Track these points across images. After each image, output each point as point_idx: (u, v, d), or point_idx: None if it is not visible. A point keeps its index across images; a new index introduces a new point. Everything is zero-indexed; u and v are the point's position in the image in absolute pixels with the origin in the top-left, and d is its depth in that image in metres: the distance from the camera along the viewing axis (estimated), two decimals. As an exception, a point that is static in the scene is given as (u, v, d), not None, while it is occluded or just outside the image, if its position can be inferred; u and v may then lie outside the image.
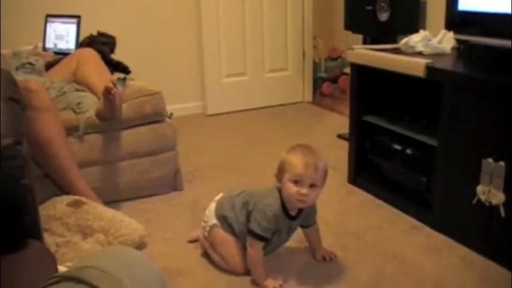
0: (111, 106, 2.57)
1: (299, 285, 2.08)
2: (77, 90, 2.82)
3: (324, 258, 2.26)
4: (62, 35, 3.46)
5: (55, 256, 1.31)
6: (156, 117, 2.82)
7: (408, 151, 2.65)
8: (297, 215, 2.10)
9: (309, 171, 1.95)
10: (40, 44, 3.52)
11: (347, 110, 3.06)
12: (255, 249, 2.07)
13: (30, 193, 1.18)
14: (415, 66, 2.43)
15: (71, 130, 2.61)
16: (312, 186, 1.98)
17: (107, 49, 3.23)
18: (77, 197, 2.42)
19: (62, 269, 1.35)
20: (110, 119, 2.65)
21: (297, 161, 1.98)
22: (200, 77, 4.52)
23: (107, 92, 2.51)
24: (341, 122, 3.92)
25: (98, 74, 2.82)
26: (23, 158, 1.15)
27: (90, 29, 3.43)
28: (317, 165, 1.97)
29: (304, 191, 1.96)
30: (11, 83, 1.26)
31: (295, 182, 1.97)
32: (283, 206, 2.05)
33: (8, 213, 1.11)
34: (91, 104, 2.70)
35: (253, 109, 4.64)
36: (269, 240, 2.08)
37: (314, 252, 2.29)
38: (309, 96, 4.93)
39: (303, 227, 2.24)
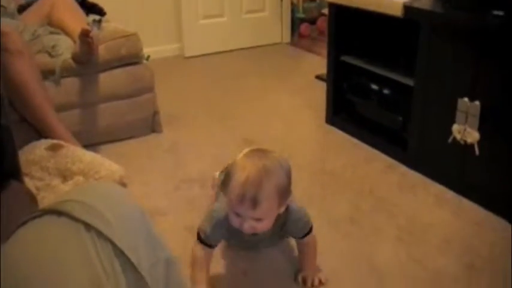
0: (88, 49, 2.54)
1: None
2: (52, 33, 2.77)
3: (303, 282, 1.79)
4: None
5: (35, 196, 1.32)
6: (133, 59, 2.79)
7: (385, 91, 2.66)
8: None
9: (244, 207, 1.52)
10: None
11: (325, 51, 3.05)
12: (195, 251, 1.70)
13: (8, 133, 1.17)
14: (393, 6, 2.41)
15: (46, 74, 2.57)
16: (256, 219, 1.55)
17: None
18: (55, 141, 2.41)
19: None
20: (86, 62, 2.62)
21: (234, 186, 1.52)
22: (177, 19, 4.45)
23: (84, 35, 2.48)
24: (319, 63, 3.91)
25: (73, 17, 2.77)
26: (-1, 99, 1.14)
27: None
28: (256, 201, 1.50)
29: (246, 226, 1.56)
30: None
31: (236, 214, 1.56)
32: None
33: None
34: (66, 47, 2.66)
35: (231, 51, 4.60)
36: (216, 246, 1.74)
37: (299, 270, 1.83)
38: (287, 38, 4.90)
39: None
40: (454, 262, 1.89)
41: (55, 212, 0.77)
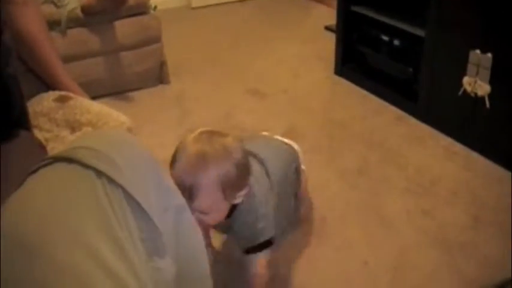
0: (116, 6, 2.58)
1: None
2: (57, -18, 2.73)
3: None
4: None
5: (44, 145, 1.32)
6: (140, 9, 2.76)
7: (395, 42, 2.63)
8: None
9: (184, 197, 1.17)
10: None
11: (334, 2, 3.01)
12: None
13: (16, 82, 1.16)
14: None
15: (52, 24, 2.54)
16: (202, 212, 1.31)
17: None
18: (63, 92, 2.40)
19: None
20: (96, 14, 2.60)
21: (173, 174, 1.29)
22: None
23: None
24: (328, 14, 3.86)
25: (78, -34, 2.73)
26: (6, 47, 1.13)
27: None
28: (192, 193, 1.26)
29: (194, 216, 1.21)
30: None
31: None
32: None
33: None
34: (72, -3, 2.63)
35: (238, 1, 4.54)
36: None
37: None
38: (295, -12, 4.82)
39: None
40: (461, 213, 1.90)
41: (65, 159, 0.77)
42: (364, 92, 2.80)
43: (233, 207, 1.38)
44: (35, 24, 2.41)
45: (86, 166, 0.75)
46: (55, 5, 2.61)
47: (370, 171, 2.15)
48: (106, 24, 2.68)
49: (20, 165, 1.09)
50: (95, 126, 2.24)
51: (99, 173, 0.75)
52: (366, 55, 2.86)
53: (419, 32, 2.43)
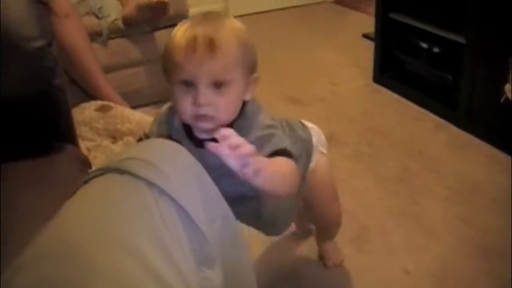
0: (157, 18, 2.63)
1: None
2: (98, -6, 2.78)
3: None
4: None
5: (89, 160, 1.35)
6: (179, 19, 2.75)
7: (435, 49, 2.60)
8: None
9: (197, 56, 1.04)
10: None
11: (371, 9, 3.00)
12: None
13: (63, 94, 1.20)
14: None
15: (94, 35, 2.60)
16: (217, 84, 1.07)
17: None
18: (104, 102, 2.45)
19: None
20: (137, 25, 2.66)
21: (177, 40, 1.07)
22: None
23: (161, 6, 2.54)
24: (366, 21, 3.84)
25: (120, -22, 2.78)
26: (54, 59, 1.16)
27: None
28: (213, 42, 1.04)
29: (202, 99, 1.06)
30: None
31: (186, 84, 1.07)
32: (185, 124, 1.17)
33: (42, 115, 1.14)
34: (112, 8, 2.68)
35: (276, 10, 4.55)
36: None
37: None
38: (332, -5, 4.82)
39: None
40: (502, 222, 1.86)
41: (117, 170, 0.79)
42: (403, 100, 2.78)
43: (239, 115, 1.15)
44: (77, 35, 2.46)
45: (137, 177, 0.77)
46: (96, 16, 2.67)
47: (410, 179, 2.13)
48: (146, 34, 2.73)
49: (63, 179, 1.12)
50: (136, 135, 2.28)
51: (150, 184, 0.76)
52: (404, 62, 2.84)
53: (459, 39, 2.40)
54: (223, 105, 1.08)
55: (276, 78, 3.13)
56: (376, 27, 2.94)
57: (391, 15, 2.83)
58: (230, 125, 1.11)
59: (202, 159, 1.02)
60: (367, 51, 3.15)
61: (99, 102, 2.44)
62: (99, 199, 0.78)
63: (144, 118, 2.36)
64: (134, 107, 2.56)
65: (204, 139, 1.10)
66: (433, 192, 2.05)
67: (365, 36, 3.69)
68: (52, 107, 1.17)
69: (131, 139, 2.27)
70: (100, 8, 2.67)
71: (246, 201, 1.18)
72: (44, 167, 1.13)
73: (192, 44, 1.03)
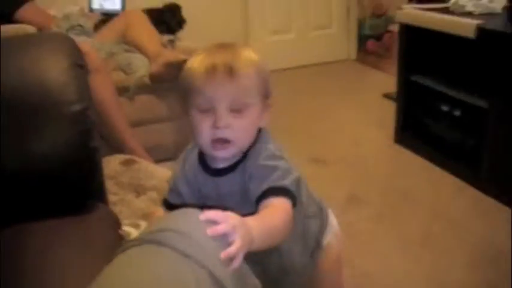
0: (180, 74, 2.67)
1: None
2: (126, 51, 2.86)
3: None
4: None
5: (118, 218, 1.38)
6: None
7: (456, 112, 2.63)
8: (232, 167, 1.15)
9: (216, 80, 1.07)
10: (85, 5, 3.55)
11: (392, 68, 3.05)
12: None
13: (98, 155, 1.23)
14: (466, 27, 2.39)
15: (121, 90, 2.67)
16: (235, 108, 1.09)
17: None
18: (128, 156, 2.48)
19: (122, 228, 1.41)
20: (164, 81, 2.72)
21: (196, 67, 1.10)
22: (245, 35, 4.52)
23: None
24: (386, 81, 3.89)
25: (148, 35, 2.86)
26: (91, 122, 1.20)
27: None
28: (232, 67, 1.07)
29: (220, 122, 1.07)
30: (77, 50, 1.30)
31: (205, 109, 1.09)
32: (200, 153, 1.21)
33: (79, 178, 1.17)
34: (141, 65, 2.75)
35: (297, 67, 4.63)
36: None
37: None
38: (353, 54, 4.89)
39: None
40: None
41: (154, 241, 0.81)
42: (425, 161, 2.79)
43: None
44: (105, 90, 2.53)
45: (175, 250, 0.79)
46: (124, 72, 2.74)
47: (432, 243, 2.13)
48: (172, 91, 2.78)
49: (96, 237, 1.14)
50: (159, 191, 2.30)
51: (187, 256, 0.78)
52: (425, 124, 2.87)
53: (481, 103, 2.43)
54: (242, 129, 1.10)
55: (297, 138, 3.16)
56: (398, 90, 2.98)
57: (413, 77, 2.87)
58: (244, 154, 1.13)
59: (217, 188, 1.15)
60: (388, 111, 3.18)
61: (123, 156, 2.48)
62: (137, 272, 0.79)
63: (167, 174, 2.39)
64: (159, 161, 2.60)
65: (219, 168, 1.15)
66: (456, 257, 2.04)
67: (386, 96, 3.73)
68: (86, 168, 1.20)
69: (155, 195, 2.29)
70: (128, 64, 2.75)
71: None
72: (77, 225, 1.15)
73: (212, 69, 1.07)
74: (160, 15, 3.24)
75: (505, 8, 2.66)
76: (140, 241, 0.83)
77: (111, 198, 2.27)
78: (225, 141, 1.08)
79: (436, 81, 2.76)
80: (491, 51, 2.30)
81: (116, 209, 2.23)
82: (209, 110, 1.08)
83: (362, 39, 4.91)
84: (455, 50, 2.67)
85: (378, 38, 4.91)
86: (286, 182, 1.09)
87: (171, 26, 3.20)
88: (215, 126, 1.07)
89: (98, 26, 3.12)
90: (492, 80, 2.33)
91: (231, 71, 1.07)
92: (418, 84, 2.84)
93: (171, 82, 2.75)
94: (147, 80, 2.71)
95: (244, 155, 1.14)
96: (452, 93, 2.63)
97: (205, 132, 1.09)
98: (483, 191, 2.46)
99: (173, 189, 1.23)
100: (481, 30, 2.34)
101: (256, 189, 1.08)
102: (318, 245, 1.31)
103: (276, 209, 1.04)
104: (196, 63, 1.11)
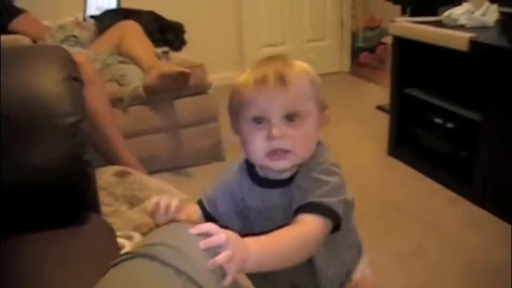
0: (178, 87, 2.72)
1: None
2: (121, 62, 2.87)
3: None
4: (102, 6, 3.50)
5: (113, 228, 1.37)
6: (199, 89, 2.88)
7: (449, 125, 2.64)
8: (283, 182, 1.09)
9: (267, 89, 1.03)
10: (80, 15, 3.56)
11: (385, 81, 3.06)
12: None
13: (91, 167, 1.23)
14: (459, 40, 2.41)
15: (115, 102, 2.67)
16: (290, 117, 1.04)
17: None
18: (122, 167, 2.48)
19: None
20: (158, 93, 2.73)
21: (245, 79, 1.07)
22: (239, 47, 4.54)
23: (183, 76, 2.65)
24: (379, 93, 3.91)
25: (142, 47, 2.87)
26: (85, 135, 1.20)
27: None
28: (285, 77, 1.03)
29: (275, 131, 1.02)
30: (71, 62, 1.31)
31: (257, 120, 1.05)
32: (248, 163, 1.15)
33: (73, 190, 1.17)
34: (135, 76, 2.76)
35: (291, 79, 4.64)
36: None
37: None
38: (347, 66, 4.92)
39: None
40: (521, 303, 1.85)
41: (147, 256, 0.81)
42: (418, 174, 2.80)
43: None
44: (99, 101, 2.53)
45: (167, 264, 0.79)
46: (118, 83, 2.74)
47: (426, 255, 2.13)
48: (166, 102, 2.80)
49: (91, 248, 1.14)
50: (153, 203, 2.30)
51: (179, 272, 0.78)
52: (419, 137, 2.88)
53: (473, 116, 2.44)
54: (298, 138, 1.04)
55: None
56: (391, 102, 3.00)
57: (406, 90, 2.88)
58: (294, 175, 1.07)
59: (263, 199, 1.09)
60: (381, 124, 3.19)
61: (117, 167, 2.48)
62: (128, 286, 0.79)
63: (162, 186, 2.39)
64: (152, 172, 2.60)
65: (270, 179, 1.09)
66: (450, 269, 2.04)
67: (379, 108, 3.74)
68: (80, 180, 1.20)
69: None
70: (122, 76, 2.75)
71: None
72: (72, 237, 1.15)
73: (262, 78, 1.03)
74: (162, 34, 3.25)
75: (497, 22, 2.68)
76: (133, 255, 0.82)
77: (105, 209, 2.26)
78: (282, 152, 1.03)
79: (429, 93, 2.78)
80: (483, 64, 2.31)
81: (109, 220, 2.22)
82: (262, 122, 1.03)
83: (356, 52, 4.94)
84: (448, 62, 2.68)
85: (372, 50, 4.94)
86: (330, 200, 1.01)
87: (173, 47, 3.21)
88: (270, 137, 1.02)
89: (93, 37, 3.13)
90: (485, 93, 2.35)
91: (282, 79, 1.03)
92: (411, 97, 2.86)
93: (164, 93, 2.76)
94: (141, 92, 2.72)
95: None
96: (445, 105, 2.64)
97: (258, 144, 1.04)
98: (476, 203, 2.46)
99: (210, 197, 1.17)
100: (473, 43, 2.35)
101: (298, 202, 1.01)
102: (348, 277, 1.22)
103: (300, 227, 0.98)
104: (245, 77, 1.07)
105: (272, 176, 1.09)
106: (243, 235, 0.89)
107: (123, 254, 0.84)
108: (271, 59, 1.09)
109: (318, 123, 1.09)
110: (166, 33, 3.26)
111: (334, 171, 1.08)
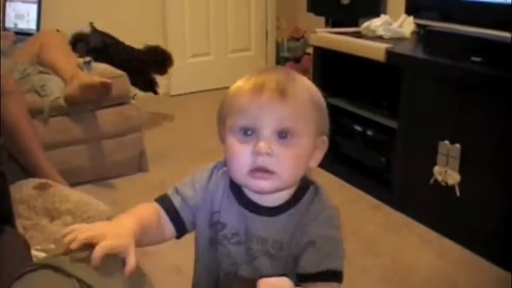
0: (100, 98, 2.68)
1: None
2: (41, 72, 2.80)
3: None
4: (22, 15, 3.42)
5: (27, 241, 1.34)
6: (121, 99, 2.84)
7: (369, 132, 2.72)
8: (277, 209, 1.01)
9: (262, 100, 0.94)
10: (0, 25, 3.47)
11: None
12: None
13: (4, 180, 1.20)
14: (376, 51, 2.49)
15: (35, 113, 2.60)
16: (282, 134, 0.95)
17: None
18: (43, 180, 2.42)
19: (33, 252, 1.38)
20: (79, 104, 2.68)
21: (241, 85, 0.99)
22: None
23: (104, 87, 2.61)
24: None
25: (63, 57, 2.81)
26: (-3, 147, 1.17)
27: (53, 9, 3.40)
28: (284, 89, 0.94)
29: (261, 144, 0.93)
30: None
31: (246, 131, 0.96)
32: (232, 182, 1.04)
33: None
34: (55, 87, 2.70)
35: (217, 89, 4.64)
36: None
37: None
38: (272, 77, 4.97)
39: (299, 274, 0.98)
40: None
41: (50, 267, 0.80)
42: (340, 181, 2.87)
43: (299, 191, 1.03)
44: (18, 113, 2.46)
45: (70, 275, 0.78)
46: (39, 94, 2.68)
47: (348, 259, 2.17)
48: (88, 113, 2.75)
49: (3, 262, 1.11)
50: (74, 215, 2.25)
51: (82, 283, 0.78)
52: (340, 145, 2.95)
53: (392, 123, 2.53)
54: (287, 159, 0.94)
55: (217, 159, 3.16)
56: (314, 111, 3.05)
57: (327, 99, 2.93)
58: (284, 205, 0.99)
59: (239, 221, 0.99)
60: (305, 132, 3.24)
61: (37, 180, 2.41)
62: None
63: (83, 198, 2.34)
64: (74, 184, 2.55)
65: (254, 202, 0.99)
66: (370, 273, 2.09)
67: (303, 117, 3.79)
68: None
69: (69, 219, 2.25)
70: (42, 86, 2.69)
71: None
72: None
73: (260, 86, 0.94)
74: (143, 63, 3.28)
75: (413, 33, 2.79)
76: (37, 266, 0.81)
77: (24, 223, 2.21)
78: (266, 172, 0.93)
79: (350, 102, 2.85)
80: (399, 74, 2.40)
81: (28, 234, 2.16)
82: (251, 134, 0.94)
83: (281, 62, 5.00)
84: (367, 72, 2.77)
85: (297, 60, 5.02)
86: (342, 265, 0.97)
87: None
88: (256, 151, 0.92)
89: (12, 46, 3.05)
90: (400, 101, 2.43)
91: (282, 90, 0.93)
92: (333, 106, 2.92)
93: (86, 104, 2.72)
94: (62, 102, 2.66)
95: (294, 200, 1.01)
96: (364, 114, 2.73)
97: (243, 159, 0.94)
98: (395, 208, 2.55)
99: (190, 203, 1.04)
100: (390, 54, 2.44)
101: (311, 264, 0.95)
102: None
103: None
104: (241, 83, 0.99)
105: (256, 198, 1.00)
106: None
107: (27, 266, 0.82)
108: (274, 68, 1.02)
109: (312, 147, 1.00)
110: (148, 65, 3.34)
111: (338, 224, 1.02)
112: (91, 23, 3.46)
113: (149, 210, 1.05)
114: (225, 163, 1.03)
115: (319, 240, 0.96)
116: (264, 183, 0.94)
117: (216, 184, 1.05)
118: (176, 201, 1.04)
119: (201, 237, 1.05)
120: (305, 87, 0.99)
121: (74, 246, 0.81)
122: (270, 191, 0.96)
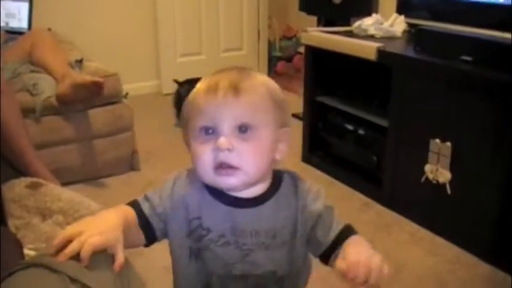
0: (91, 97, 2.67)
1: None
2: (32, 71, 2.79)
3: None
4: (13, 13, 3.41)
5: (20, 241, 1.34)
6: (113, 98, 2.84)
7: (360, 131, 2.73)
8: (262, 197, 1.04)
9: (218, 98, 0.96)
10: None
11: (301, 89, 3.13)
12: None
13: (-5, 179, 1.20)
14: (367, 50, 2.50)
15: (27, 112, 2.59)
16: (242, 129, 0.97)
17: None
18: (34, 179, 2.42)
19: (25, 251, 1.38)
20: (71, 103, 2.68)
21: (197, 88, 1.02)
22: (155, 56, 4.51)
23: (96, 86, 2.60)
24: (296, 101, 3.95)
25: (54, 55, 2.81)
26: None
27: (45, 8, 3.39)
28: (238, 86, 0.97)
29: (221, 140, 0.95)
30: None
31: (206, 131, 0.98)
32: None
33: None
34: (47, 86, 2.69)
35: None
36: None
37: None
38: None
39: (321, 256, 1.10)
40: (427, 300, 1.93)
41: (41, 265, 0.80)
42: (331, 179, 2.88)
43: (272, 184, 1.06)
44: (10, 112, 2.45)
45: (60, 273, 0.78)
46: (30, 93, 2.67)
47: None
48: (80, 112, 2.75)
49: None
50: (66, 214, 2.25)
51: (72, 280, 0.78)
52: (331, 143, 2.96)
53: (382, 122, 2.54)
54: (248, 153, 0.96)
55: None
56: (304, 110, 3.07)
57: (319, 98, 2.96)
58: (266, 193, 1.03)
59: (227, 220, 1.00)
60: (295, 131, 3.24)
61: (29, 179, 2.41)
62: None
63: (75, 197, 2.34)
64: (66, 183, 2.54)
65: (238, 197, 1.01)
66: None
67: (294, 115, 3.80)
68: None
69: (61, 218, 2.24)
70: (34, 85, 2.68)
71: (273, 280, 1.04)
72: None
73: (214, 86, 0.96)
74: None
75: (404, 32, 2.80)
76: (27, 264, 0.81)
77: (16, 222, 2.20)
78: (229, 168, 0.96)
79: (341, 101, 2.87)
80: (390, 72, 2.41)
81: (21, 233, 2.16)
82: (212, 133, 0.96)
83: (273, 61, 5.01)
84: (358, 71, 2.78)
85: (289, 59, 5.03)
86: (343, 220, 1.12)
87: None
88: (217, 148, 0.94)
89: (3, 46, 3.03)
90: (392, 100, 2.44)
91: (235, 88, 0.96)
92: (324, 104, 2.93)
93: (77, 103, 2.71)
94: (53, 101, 2.66)
95: (274, 188, 1.05)
96: (356, 112, 2.74)
97: (206, 157, 0.96)
98: (386, 206, 2.56)
99: (159, 211, 1.05)
100: (381, 53, 2.45)
101: (329, 231, 1.08)
102: None
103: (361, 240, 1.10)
104: (199, 84, 1.01)
105: (238, 194, 1.02)
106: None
107: (18, 264, 0.83)
108: (228, 69, 1.03)
109: (274, 139, 1.01)
110: None
111: (318, 192, 1.16)
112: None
113: (130, 211, 1.06)
114: (194, 170, 1.03)
115: (322, 212, 1.08)
116: (230, 180, 0.97)
117: (183, 192, 1.04)
118: (145, 207, 1.06)
119: (178, 249, 1.05)
120: (260, 82, 1.01)
121: (56, 241, 0.83)
122: (238, 187, 0.99)
